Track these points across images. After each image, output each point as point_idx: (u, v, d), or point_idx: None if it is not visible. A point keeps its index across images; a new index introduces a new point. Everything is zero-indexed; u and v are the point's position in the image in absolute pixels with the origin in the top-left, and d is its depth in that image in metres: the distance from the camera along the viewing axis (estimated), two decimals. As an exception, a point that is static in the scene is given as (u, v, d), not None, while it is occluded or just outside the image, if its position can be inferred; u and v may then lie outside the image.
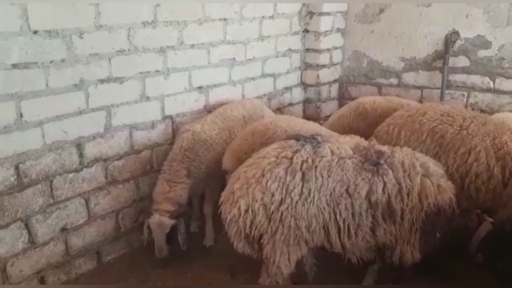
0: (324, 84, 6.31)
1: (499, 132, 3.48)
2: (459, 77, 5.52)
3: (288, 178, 2.89)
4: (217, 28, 4.86)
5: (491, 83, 5.27)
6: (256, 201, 2.88)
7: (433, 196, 2.88)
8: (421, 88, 5.83)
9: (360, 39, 6.28)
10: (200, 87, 4.80)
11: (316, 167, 2.92)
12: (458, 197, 3.11)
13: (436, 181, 2.95)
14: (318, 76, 6.20)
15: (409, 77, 5.95)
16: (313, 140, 3.10)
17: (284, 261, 2.98)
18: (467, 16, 5.29)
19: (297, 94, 6.29)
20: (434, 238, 2.98)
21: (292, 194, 2.87)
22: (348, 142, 3.14)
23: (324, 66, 6.22)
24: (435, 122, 3.69)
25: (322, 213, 2.90)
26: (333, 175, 2.90)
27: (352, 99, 6.49)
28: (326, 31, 6.08)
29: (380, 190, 2.87)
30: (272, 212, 2.89)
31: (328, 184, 2.89)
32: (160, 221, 3.85)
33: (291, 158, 2.96)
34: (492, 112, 4.98)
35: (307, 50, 6.18)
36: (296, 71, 6.19)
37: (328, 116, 6.39)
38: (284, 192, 2.89)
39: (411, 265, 3.08)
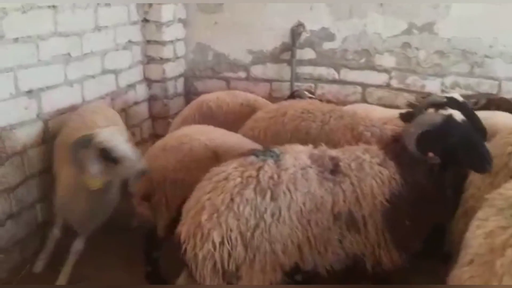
0: (170, 79, 5.84)
1: (355, 124, 3.63)
2: (306, 69, 5.67)
3: (259, 199, 2.59)
4: (45, 17, 4.00)
5: (336, 74, 5.51)
6: (232, 230, 2.54)
7: (382, 191, 2.77)
8: (270, 81, 5.84)
9: (203, 30, 5.98)
10: (29, 91, 3.89)
11: (282, 182, 2.63)
12: None
13: (378, 174, 2.82)
14: (163, 71, 5.70)
15: (257, 70, 5.90)
16: (271, 152, 2.78)
17: None
18: (311, 8, 5.43)
19: (142, 92, 5.70)
20: (407, 230, 2.84)
21: (265, 216, 2.58)
22: (303, 151, 2.88)
23: (168, 59, 5.75)
24: (297, 120, 3.70)
25: (295, 232, 2.63)
26: (300, 188, 2.65)
27: (199, 94, 6.19)
28: (168, 21, 5.61)
29: (341, 200, 2.70)
30: (249, 240, 2.56)
31: (297, 199, 2.63)
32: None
33: (257, 177, 2.64)
34: (338, 103, 5.22)
35: (149, 42, 5.63)
36: (139, 66, 5.60)
37: (177, 113, 5.97)
38: (257, 215, 2.56)
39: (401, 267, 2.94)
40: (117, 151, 3.09)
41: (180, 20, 5.87)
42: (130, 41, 5.33)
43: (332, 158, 2.85)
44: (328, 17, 5.40)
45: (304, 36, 5.54)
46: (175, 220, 3.00)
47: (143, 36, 5.57)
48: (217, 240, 2.52)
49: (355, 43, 5.38)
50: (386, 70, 5.27)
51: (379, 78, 5.35)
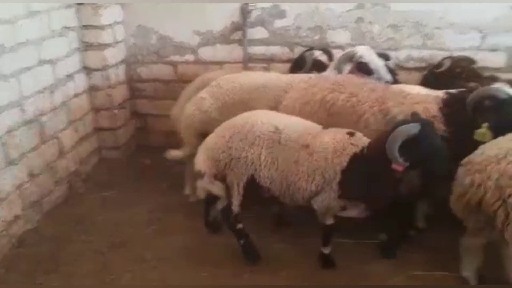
0: (111, 66, 5.46)
1: (385, 98, 3.65)
2: (259, 49, 5.54)
3: None
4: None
5: (291, 53, 5.42)
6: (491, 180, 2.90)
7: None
8: (220, 63, 5.64)
9: (143, 11, 5.63)
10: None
11: None
12: None
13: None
14: (104, 58, 5.30)
15: (206, 52, 5.68)
16: None
17: None
18: (261, -15, 5.26)
19: (81, 82, 5.28)
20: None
21: None
22: None
23: (108, 45, 5.36)
24: (326, 91, 3.77)
25: None
26: None
27: (144, 81, 5.94)
28: (105, 3, 5.20)
29: None
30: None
31: None
32: None
33: None
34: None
35: (85, 26, 5.20)
36: (76, 54, 5.15)
37: (122, 104, 5.63)
38: None
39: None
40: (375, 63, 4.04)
41: (117, 1, 5.47)
42: (65, 27, 4.89)
43: None
44: (279, -6, 5.28)
45: (255, 14, 5.37)
46: (244, 197, 3.52)
47: (78, 20, 5.13)
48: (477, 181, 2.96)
49: (308, 20, 5.31)
50: (340, 46, 5.25)
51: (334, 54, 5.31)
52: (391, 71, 4.76)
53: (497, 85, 3.55)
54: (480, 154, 3.05)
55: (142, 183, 5.11)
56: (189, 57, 5.72)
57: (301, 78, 4.17)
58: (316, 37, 5.33)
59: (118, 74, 5.63)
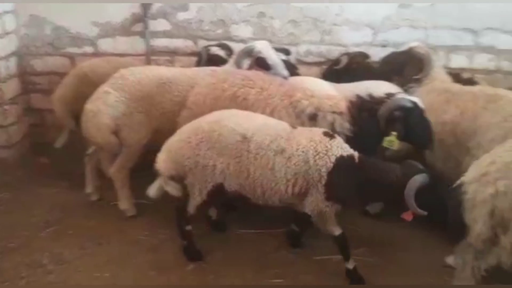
0: (1, 59, 5.08)
1: (294, 91, 3.76)
2: (161, 42, 5.46)
3: None
4: None
5: (195, 46, 5.40)
6: None
7: None
8: (121, 55, 5.46)
9: (36, 0, 5.28)
10: None
11: None
12: None
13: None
14: (-9, 50, 4.93)
15: (106, 44, 5.50)
16: None
17: None
18: (161, -24, 5.18)
19: (-33, 76, 4.85)
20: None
21: None
22: None
23: (-4, 36, 4.98)
24: (237, 86, 3.79)
25: None
26: None
27: (38, 74, 5.62)
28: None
29: None
30: None
31: None
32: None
33: None
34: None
35: (-32, 15, 4.78)
36: (-43, 46, 4.73)
37: (13, 99, 5.28)
38: None
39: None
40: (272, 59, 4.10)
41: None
42: None
43: None
44: (181, -14, 5.23)
45: (157, 6, 5.27)
46: (206, 202, 3.46)
47: (-40, 8, 4.72)
48: (501, 189, 2.67)
49: (211, 13, 5.32)
50: (243, 40, 5.33)
51: (238, 48, 5.36)
52: (292, 66, 4.99)
53: (402, 96, 3.75)
54: (491, 164, 2.82)
55: (38, 183, 4.84)
56: (88, 49, 5.50)
57: (205, 72, 4.19)
58: (219, 31, 5.37)
59: (8, 67, 5.26)
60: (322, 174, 3.16)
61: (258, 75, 3.94)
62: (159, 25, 5.38)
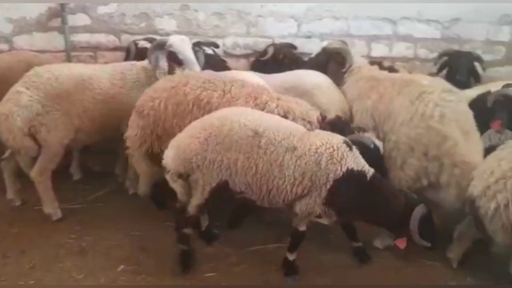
0: None
1: (258, 93, 3.70)
2: (82, 37, 5.29)
3: None
4: None
5: (117, 40, 5.28)
6: None
7: None
8: (40, 52, 5.20)
9: None
10: None
11: None
12: None
13: None
14: None
15: (22, 41, 5.26)
16: None
17: None
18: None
19: None
20: None
21: None
22: None
23: None
24: (199, 90, 3.71)
25: None
26: None
27: None
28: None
29: None
30: None
31: None
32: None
33: None
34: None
35: None
36: None
37: None
38: None
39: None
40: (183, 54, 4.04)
41: None
42: None
43: None
44: (99, -22, 5.08)
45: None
46: (207, 200, 3.30)
47: None
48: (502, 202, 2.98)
49: (133, 7, 5.22)
50: (168, 34, 5.25)
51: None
52: (221, 60, 5.01)
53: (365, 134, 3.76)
54: (491, 175, 3.10)
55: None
56: (3, 46, 5.23)
57: (123, 67, 4.13)
58: (143, 25, 5.28)
59: None
60: (329, 179, 3.15)
61: (216, 77, 3.88)
62: (79, 19, 5.22)
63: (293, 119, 3.59)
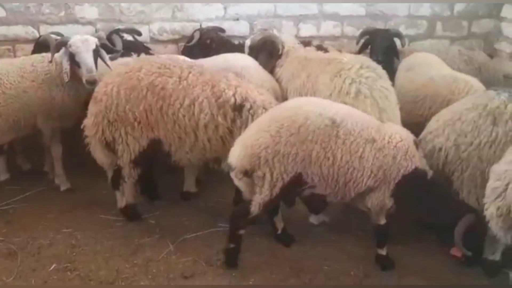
0: None
1: (216, 80, 3.60)
2: (-4, 30, 5.00)
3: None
4: None
5: (36, 31, 5.05)
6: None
7: None
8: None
9: None
10: None
11: None
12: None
13: None
14: None
15: None
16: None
17: None
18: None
19: None
20: None
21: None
22: None
23: None
24: (153, 75, 3.60)
25: None
26: None
27: None
28: None
29: None
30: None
31: None
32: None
33: None
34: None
35: None
36: None
37: None
38: None
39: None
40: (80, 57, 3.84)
41: None
42: None
43: None
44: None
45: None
46: (276, 197, 3.19)
47: None
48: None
49: (49, -5, 4.99)
50: (90, 22, 5.10)
51: (85, 31, 5.09)
52: (144, 47, 4.91)
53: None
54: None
55: None
56: None
57: (33, 59, 4.04)
58: (62, 14, 5.06)
59: None
60: (399, 174, 3.17)
61: (175, 62, 3.77)
62: (-10, 12, 4.93)
63: (251, 108, 3.55)
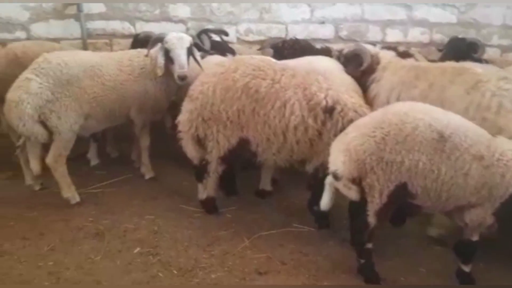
0: None
1: (308, 83, 3.65)
2: (98, 24, 5.37)
3: None
4: None
5: (132, 28, 5.36)
6: None
7: None
8: (57, 40, 5.34)
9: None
10: None
11: None
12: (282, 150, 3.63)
13: None
14: None
15: (39, 29, 5.34)
16: None
17: None
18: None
19: None
20: None
21: None
22: None
23: None
24: (248, 77, 3.70)
25: None
26: None
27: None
28: None
29: None
30: None
31: None
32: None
33: None
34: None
35: None
36: None
37: None
38: None
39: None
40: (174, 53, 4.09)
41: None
42: None
43: None
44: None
45: (90, -13, 5.19)
46: (386, 206, 3.05)
47: None
48: None
49: (147, -7, 5.28)
50: (182, 21, 5.33)
51: (176, 28, 5.38)
52: (230, 48, 5.04)
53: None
54: None
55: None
56: (20, 34, 5.34)
57: (130, 54, 4.25)
58: (157, 12, 5.33)
59: None
60: (507, 192, 2.97)
61: (268, 64, 3.83)
62: (95, 7, 5.29)
63: (342, 110, 3.54)
